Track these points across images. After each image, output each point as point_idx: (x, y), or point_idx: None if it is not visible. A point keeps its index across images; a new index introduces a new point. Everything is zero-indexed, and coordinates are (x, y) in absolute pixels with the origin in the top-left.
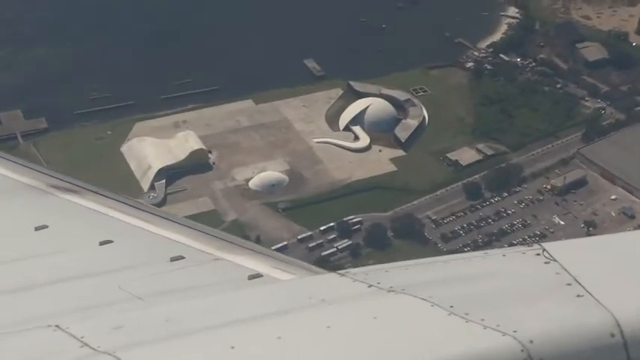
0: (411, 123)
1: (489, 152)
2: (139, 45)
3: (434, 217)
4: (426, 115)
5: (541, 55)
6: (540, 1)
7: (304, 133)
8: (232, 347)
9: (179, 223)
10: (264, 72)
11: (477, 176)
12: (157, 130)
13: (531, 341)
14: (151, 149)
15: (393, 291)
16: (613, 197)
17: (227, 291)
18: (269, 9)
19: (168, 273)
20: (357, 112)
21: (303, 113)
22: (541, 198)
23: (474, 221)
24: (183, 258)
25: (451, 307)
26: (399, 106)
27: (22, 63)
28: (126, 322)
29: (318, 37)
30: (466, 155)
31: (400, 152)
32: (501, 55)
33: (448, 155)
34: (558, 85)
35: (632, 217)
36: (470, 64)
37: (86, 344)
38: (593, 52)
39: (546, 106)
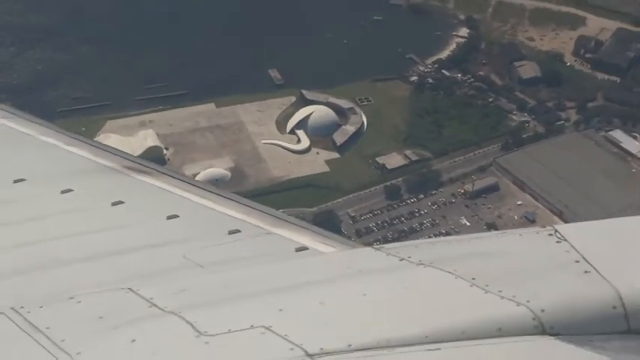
0: (349, 129)
1: (414, 158)
2: (121, 53)
3: (353, 214)
4: (365, 123)
5: (480, 72)
6: (491, 23)
7: (254, 135)
8: (280, 310)
9: (236, 201)
10: (230, 79)
11: (399, 179)
12: (124, 128)
13: (543, 310)
14: (113, 145)
15: (422, 264)
16: (519, 203)
17: (277, 261)
18: (245, 22)
19: (226, 244)
20: (301, 118)
21: (257, 117)
22: (453, 201)
23: (388, 219)
24: (240, 231)
25: (473, 279)
26: (342, 113)
27: (17, 65)
28: (189, 286)
29: (285, 49)
30: (393, 160)
31: (336, 155)
32: (443, 71)
33: (377, 159)
34: (490, 100)
35: (533, 221)
36: (414, 78)
37: (154, 304)
38: (527, 70)
39: (476, 118)
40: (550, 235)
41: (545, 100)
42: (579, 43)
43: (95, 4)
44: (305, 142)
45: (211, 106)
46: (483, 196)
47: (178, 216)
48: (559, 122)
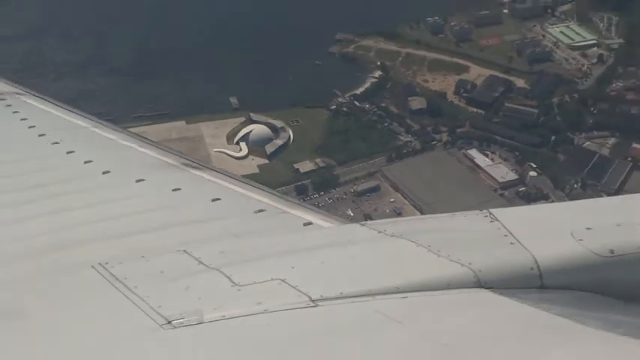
0: (278, 142)
1: (322, 164)
2: (127, 81)
3: None
4: (291, 138)
5: (382, 104)
6: (399, 69)
7: (209, 145)
8: (292, 267)
9: (260, 188)
10: (200, 103)
11: (308, 180)
12: None
13: (480, 270)
14: None
15: (394, 236)
16: (392, 200)
17: (290, 232)
18: (215, 62)
19: (254, 220)
20: (244, 133)
21: (214, 132)
22: (344, 197)
23: None
24: (264, 211)
25: (429, 246)
26: (275, 130)
27: (46, 89)
28: (227, 250)
29: (243, 83)
30: (305, 165)
31: (266, 161)
32: (355, 102)
33: (294, 165)
34: (386, 124)
35: (400, 214)
36: (333, 107)
37: (202, 263)
38: (416, 103)
39: (374, 137)
40: (486, 216)
41: (426, 126)
42: (459, 85)
43: (110, 43)
44: (244, 151)
45: (182, 123)
46: (367, 194)
47: (220, 199)
48: (433, 142)
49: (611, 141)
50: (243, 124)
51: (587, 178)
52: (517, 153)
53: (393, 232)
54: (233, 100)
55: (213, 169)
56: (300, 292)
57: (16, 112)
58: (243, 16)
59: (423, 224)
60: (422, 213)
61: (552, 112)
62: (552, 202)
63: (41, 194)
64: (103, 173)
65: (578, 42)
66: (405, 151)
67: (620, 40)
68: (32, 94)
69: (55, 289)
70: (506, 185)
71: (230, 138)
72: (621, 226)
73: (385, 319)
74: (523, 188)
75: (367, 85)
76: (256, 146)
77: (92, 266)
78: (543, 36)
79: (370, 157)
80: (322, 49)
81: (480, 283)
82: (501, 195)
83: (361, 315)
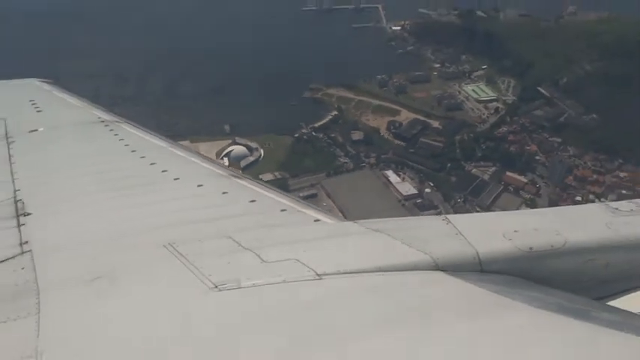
0: (251, 159)
1: (279, 176)
2: (148, 109)
3: None
4: (262, 156)
5: (332, 134)
6: (350, 110)
7: None
8: (304, 251)
9: (284, 194)
10: (201, 128)
11: None
12: None
13: (438, 258)
14: None
15: (377, 231)
16: (324, 204)
17: (304, 226)
18: (214, 98)
19: (279, 216)
20: (227, 151)
21: (208, 149)
22: None
23: None
24: (286, 210)
25: (402, 239)
26: (250, 150)
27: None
28: (259, 237)
29: (236, 115)
30: (266, 177)
31: (239, 172)
32: (313, 133)
33: (259, 175)
34: (332, 149)
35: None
36: (296, 135)
37: (241, 245)
38: (356, 135)
39: (322, 158)
40: (443, 220)
41: (360, 152)
42: (389, 124)
43: (140, 84)
44: (226, 164)
45: (187, 142)
46: (307, 199)
47: (255, 200)
48: (363, 164)
49: (492, 169)
50: (229, 145)
51: (468, 195)
52: (421, 175)
53: (377, 228)
54: (226, 127)
55: (251, 179)
56: (309, 268)
57: (116, 134)
58: (246, 69)
59: (397, 224)
60: (344, 215)
61: (454, 147)
62: (440, 212)
63: (129, 193)
64: (174, 179)
65: (483, 97)
66: (341, 169)
67: (514, 98)
68: (127, 122)
69: (137, 261)
70: (408, 198)
71: (218, 154)
72: (538, 230)
73: (369, 289)
74: (420, 200)
75: (325, 120)
76: (235, 161)
77: (163, 245)
78: (459, 92)
79: (315, 172)
80: (298, 94)
81: (438, 267)
82: (403, 205)
83: (352, 286)
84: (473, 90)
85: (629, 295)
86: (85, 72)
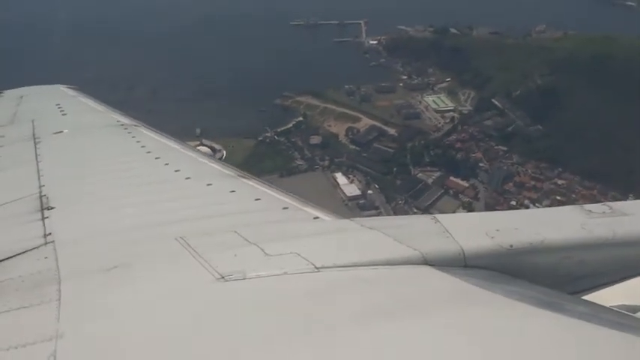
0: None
1: None
2: (142, 114)
3: None
4: (224, 157)
5: (293, 139)
6: (315, 117)
7: None
8: (304, 245)
9: (286, 193)
10: (176, 132)
11: None
12: None
13: (426, 254)
14: None
15: (371, 228)
16: None
17: (304, 223)
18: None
19: (281, 214)
20: None
21: None
22: None
23: None
24: (288, 208)
25: (394, 236)
26: (214, 150)
27: None
28: (263, 232)
29: (206, 121)
30: None
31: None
32: (275, 137)
33: None
34: (290, 152)
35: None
36: (260, 138)
37: (246, 239)
38: (314, 139)
39: (279, 160)
40: (432, 219)
41: (316, 156)
42: (348, 130)
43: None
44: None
45: None
46: None
47: (260, 199)
48: (316, 166)
49: (437, 174)
50: (196, 146)
51: (409, 197)
52: (369, 177)
53: (370, 226)
54: (198, 130)
55: (256, 179)
56: (309, 261)
57: (134, 137)
58: (227, 78)
59: (390, 222)
60: None
61: (404, 152)
62: (380, 212)
63: (145, 190)
64: (186, 179)
65: (441, 107)
66: (295, 171)
67: (470, 108)
68: (144, 126)
69: (151, 253)
70: (351, 198)
71: None
72: (518, 229)
73: (363, 282)
74: (362, 201)
75: (289, 125)
76: None
77: (175, 239)
78: (420, 102)
79: (271, 173)
80: (270, 101)
81: (426, 262)
82: (346, 205)
83: (347, 278)
84: (433, 100)
85: (600, 291)
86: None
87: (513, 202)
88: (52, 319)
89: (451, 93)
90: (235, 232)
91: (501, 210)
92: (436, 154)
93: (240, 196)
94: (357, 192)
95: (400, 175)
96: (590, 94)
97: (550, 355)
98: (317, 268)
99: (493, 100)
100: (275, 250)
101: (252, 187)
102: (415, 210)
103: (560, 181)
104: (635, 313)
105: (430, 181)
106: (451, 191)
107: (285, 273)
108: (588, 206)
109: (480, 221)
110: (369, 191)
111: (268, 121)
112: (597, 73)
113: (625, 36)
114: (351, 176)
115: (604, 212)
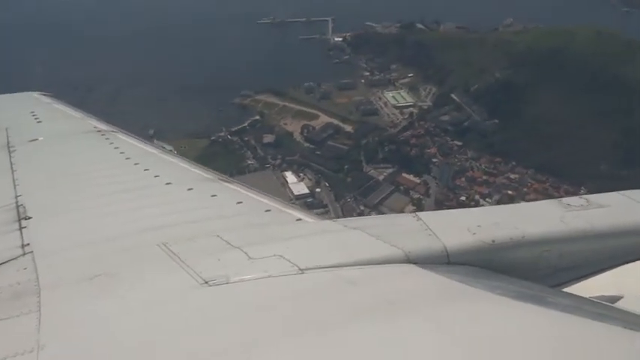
0: None
1: None
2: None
3: None
4: None
5: (246, 138)
6: (272, 116)
7: None
8: (287, 247)
9: (268, 196)
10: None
11: None
12: None
13: (410, 252)
14: None
15: (355, 228)
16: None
17: (287, 225)
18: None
19: (264, 216)
20: None
21: None
22: None
23: None
24: (270, 210)
25: (377, 235)
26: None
27: None
28: (246, 235)
29: (163, 118)
30: None
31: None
32: (229, 136)
33: None
34: (242, 151)
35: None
36: (213, 138)
37: (229, 243)
38: (267, 138)
39: (230, 159)
40: (414, 217)
41: (269, 154)
42: (303, 128)
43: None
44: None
45: None
46: None
47: (242, 202)
48: (267, 165)
49: (389, 170)
50: None
51: (358, 195)
52: (319, 175)
53: (354, 226)
54: (151, 131)
55: (238, 183)
56: (293, 263)
57: (112, 143)
58: (188, 77)
59: (373, 221)
60: None
61: (359, 149)
62: (328, 211)
63: (125, 197)
64: (166, 184)
65: (401, 103)
66: (245, 170)
67: (430, 103)
68: (122, 132)
69: (133, 260)
70: (299, 197)
71: None
72: (499, 225)
73: (348, 282)
74: (311, 199)
75: (244, 124)
76: None
77: (157, 245)
78: (379, 98)
79: (221, 173)
80: (228, 100)
81: (410, 260)
82: (294, 204)
83: (332, 279)
84: (392, 96)
85: (580, 283)
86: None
87: (463, 198)
88: (33, 330)
89: (413, 89)
90: (218, 236)
91: (449, 205)
92: (390, 151)
93: (221, 200)
94: (306, 190)
95: (351, 173)
96: (546, 87)
97: (535, 347)
98: (301, 269)
99: (452, 94)
100: (258, 253)
101: (233, 190)
102: (362, 207)
103: (512, 176)
104: (613, 303)
105: (381, 178)
106: (402, 188)
107: (270, 276)
108: (566, 200)
109: (461, 218)
110: (317, 189)
111: (225, 120)
112: (554, 67)
113: (583, 29)
114: (301, 174)
115: (581, 205)
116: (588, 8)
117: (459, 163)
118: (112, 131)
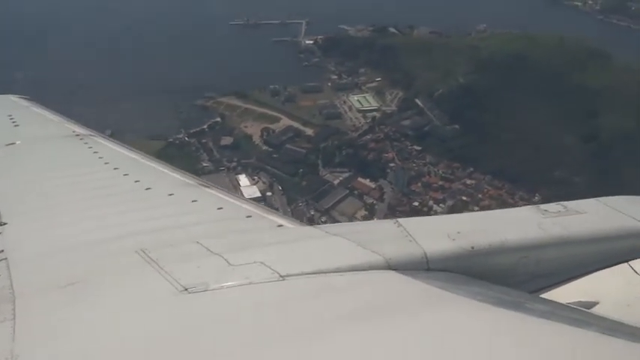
0: None
1: None
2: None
3: None
4: None
5: (204, 140)
6: (233, 118)
7: None
8: (268, 254)
9: (248, 202)
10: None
11: None
12: None
13: (390, 258)
14: None
15: (335, 235)
16: None
17: (268, 231)
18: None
19: (245, 222)
20: None
21: None
22: None
23: None
24: (251, 216)
25: (358, 242)
26: None
27: None
28: (227, 241)
29: (124, 119)
30: None
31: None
32: (186, 138)
33: None
34: (199, 154)
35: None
36: (170, 140)
37: (209, 250)
38: (225, 141)
39: (185, 162)
40: (394, 223)
41: (225, 157)
42: (263, 131)
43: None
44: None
45: None
46: None
47: (222, 208)
48: (222, 168)
49: (345, 175)
50: None
51: (311, 199)
52: (274, 179)
53: (335, 232)
54: (108, 131)
55: (218, 188)
56: (273, 270)
57: (90, 147)
58: (152, 79)
59: (354, 228)
60: None
61: (317, 153)
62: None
63: (103, 202)
64: (146, 189)
65: (365, 107)
66: (199, 172)
67: (394, 108)
68: (101, 135)
69: (110, 267)
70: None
71: None
72: (478, 231)
73: (328, 288)
74: (262, 203)
75: (204, 126)
76: None
77: (136, 251)
78: (344, 102)
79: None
80: (191, 102)
81: (390, 266)
82: None
83: (313, 286)
84: (357, 100)
85: (557, 288)
86: None
87: (416, 204)
88: (7, 339)
89: (379, 93)
90: (198, 242)
91: (402, 211)
92: (347, 155)
93: (202, 206)
94: (258, 194)
95: (307, 177)
96: (508, 93)
97: (514, 353)
98: (282, 276)
99: (416, 99)
100: (239, 259)
101: (214, 195)
102: (313, 212)
103: (469, 181)
104: (589, 308)
105: (336, 182)
106: (356, 192)
107: (250, 282)
108: (544, 206)
109: (441, 224)
110: (268, 193)
111: (185, 122)
112: (516, 73)
113: (546, 35)
114: (256, 178)
115: (559, 212)
116: (564, 15)
117: (416, 168)
118: (92, 135)
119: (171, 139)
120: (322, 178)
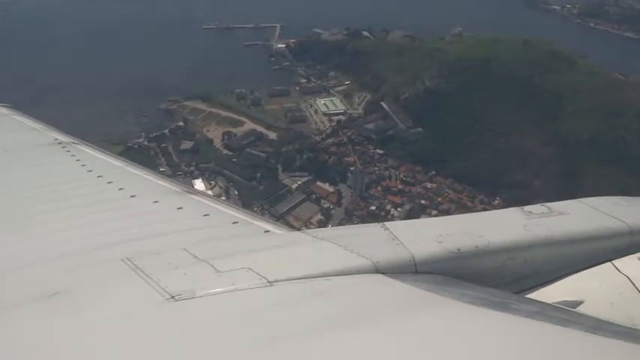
0: None
1: None
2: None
3: None
4: None
5: (164, 144)
6: (196, 122)
7: None
8: (256, 260)
9: (235, 208)
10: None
11: None
12: None
13: (378, 262)
14: None
15: (323, 239)
16: None
17: (255, 237)
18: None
19: (231, 228)
20: None
21: None
22: None
23: None
24: (238, 222)
25: (345, 246)
26: None
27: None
28: (213, 248)
29: (87, 122)
30: None
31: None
32: (146, 142)
33: None
34: (157, 159)
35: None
36: (129, 144)
37: (196, 257)
38: (185, 145)
39: (150, 167)
40: (381, 227)
41: (184, 161)
42: (224, 135)
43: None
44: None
45: None
46: None
47: (209, 214)
48: (179, 173)
49: (304, 179)
50: None
51: (267, 204)
52: (231, 183)
53: (322, 237)
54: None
55: (204, 194)
56: (261, 276)
57: (73, 155)
58: (118, 82)
59: (341, 232)
60: None
61: (278, 157)
62: None
63: (87, 211)
64: (131, 197)
65: (331, 110)
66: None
67: (361, 112)
68: (84, 143)
69: (95, 276)
70: None
71: None
72: (465, 233)
73: (317, 293)
74: None
75: (165, 130)
76: None
77: (121, 260)
78: (311, 105)
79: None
80: (155, 106)
81: (378, 270)
82: None
83: (301, 291)
84: (324, 104)
85: (543, 288)
86: None
87: (373, 208)
88: None
89: (347, 96)
90: (184, 249)
91: (359, 215)
92: (308, 159)
93: (188, 213)
94: None
95: (265, 181)
96: (472, 96)
97: (503, 353)
98: (270, 282)
99: (382, 102)
100: (226, 266)
101: (200, 202)
102: (268, 215)
103: (429, 185)
104: (574, 308)
105: (295, 186)
106: (314, 197)
107: (237, 289)
108: (528, 207)
109: (428, 227)
110: (223, 197)
111: (147, 126)
112: (481, 76)
113: (511, 39)
114: (212, 182)
115: (543, 213)
116: (542, 19)
117: (377, 172)
118: (74, 143)
119: (130, 144)
120: (280, 183)
